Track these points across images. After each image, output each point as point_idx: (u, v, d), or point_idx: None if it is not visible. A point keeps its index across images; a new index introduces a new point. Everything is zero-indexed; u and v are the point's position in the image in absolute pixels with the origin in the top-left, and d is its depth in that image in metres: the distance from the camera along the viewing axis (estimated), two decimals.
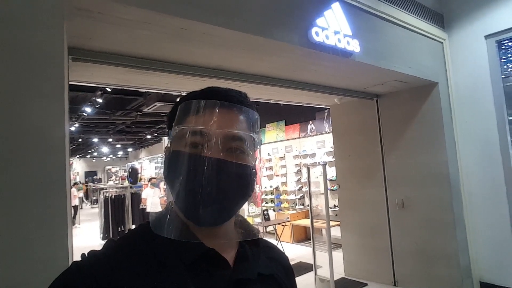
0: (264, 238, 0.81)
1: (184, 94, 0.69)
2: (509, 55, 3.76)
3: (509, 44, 3.75)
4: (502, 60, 3.78)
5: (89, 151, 22.77)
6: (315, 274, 4.34)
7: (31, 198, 1.28)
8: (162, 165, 0.67)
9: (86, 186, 19.68)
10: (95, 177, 24.97)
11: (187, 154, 0.59)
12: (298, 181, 8.15)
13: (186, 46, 2.32)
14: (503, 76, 3.75)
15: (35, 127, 1.32)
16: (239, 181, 0.61)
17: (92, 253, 0.58)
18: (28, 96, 1.32)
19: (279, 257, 0.77)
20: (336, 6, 2.70)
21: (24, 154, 1.29)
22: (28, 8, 1.36)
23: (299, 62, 2.86)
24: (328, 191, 4.59)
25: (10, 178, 1.25)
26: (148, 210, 7.45)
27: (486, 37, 3.82)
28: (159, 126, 12.70)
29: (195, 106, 0.62)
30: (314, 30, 2.52)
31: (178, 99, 0.69)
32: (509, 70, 3.75)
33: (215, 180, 0.57)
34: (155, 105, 6.90)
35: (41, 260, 1.26)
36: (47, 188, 1.31)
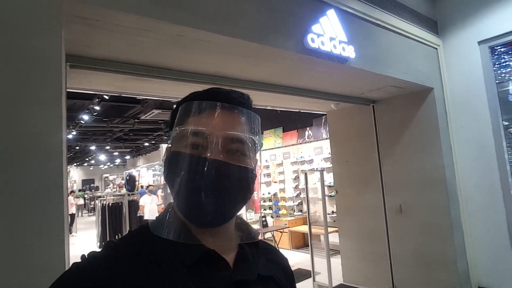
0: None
1: (191, 93, 0.69)
2: (502, 61, 3.80)
3: (502, 49, 3.80)
4: (496, 66, 3.83)
5: (87, 159, 22.67)
6: (314, 280, 4.32)
7: (27, 204, 1.28)
8: (161, 170, 0.67)
9: (84, 193, 19.55)
10: (92, 185, 24.82)
11: (187, 155, 0.59)
12: (296, 187, 8.14)
13: (183, 53, 2.34)
14: (497, 82, 3.79)
15: (32, 133, 1.32)
16: (239, 183, 0.61)
17: (92, 254, 0.58)
18: (25, 102, 1.33)
19: (279, 259, 0.77)
20: (331, 13, 2.74)
21: (21, 160, 1.29)
22: (26, 15, 1.38)
23: (295, 68, 2.89)
24: (326, 197, 4.60)
25: (6, 184, 1.25)
26: (146, 217, 7.41)
27: (480, 43, 3.88)
28: (156, 134, 12.69)
29: (196, 107, 0.62)
30: (309, 36, 2.55)
31: (180, 99, 0.69)
32: (502, 75, 3.79)
33: (215, 181, 0.57)
34: (153, 112, 6.89)
35: (37, 267, 1.25)
36: (43, 194, 1.31)
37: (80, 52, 2.17)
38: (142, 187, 11.60)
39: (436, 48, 4.09)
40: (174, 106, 0.70)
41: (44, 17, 1.42)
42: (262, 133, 8.81)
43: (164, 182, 0.67)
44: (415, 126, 4.03)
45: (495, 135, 3.73)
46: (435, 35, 4.11)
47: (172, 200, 0.65)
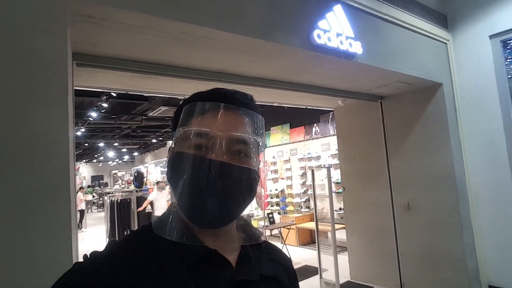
0: (269, 241, 0.80)
1: (194, 93, 0.69)
2: None
3: None
4: (508, 60, 3.75)
5: (96, 156, 22.93)
6: (321, 277, 4.31)
7: (34, 202, 1.29)
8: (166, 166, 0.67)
9: (93, 190, 19.80)
10: (101, 181, 25.13)
11: (190, 155, 0.59)
12: (303, 184, 8.13)
13: (189, 50, 2.33)
14: (509, 76, 3.71)
15: (39, 132, 1.34)
16: (242, 184, 0.61)
17: (94, 254, 0.59)
18: (32, 102, 1.34)
19: (282, 259, 0.77)
20: (337, 8, 2.70)
21: (28, 159, 1.30)
22: (31, 14, 1.38)
23: (301, 65, 2.87)
24: (333, 193, 4.57)
25: (14, 183, 1.27)
26: (156, 214, 7.46)
27: (491, 37, 3.79)
28: (164, 130, 12.76)
29: (200, 108, 0.62)
30: (316, 32, 2.52)
31: (183, 100, 0.69)
32: None
33: (218, 182, 0.57)
34: (160, 109, 6.94)
35: (44, 264, 1.27)
36: (50, 192, 1.32)
37: (86, 50, 2.18)
38: (146, 184, 11.56)
39: (446, 43, 4.01)
40: (182, 101, 0.70)
41: (49, 16, 1.42)
42: (269, 130, 8.86)
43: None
44: (423, 122, 3.97)
45: (506, 131, 3.66)
46: (445, 30, 4.03)
47: (175, 200, 0.65)
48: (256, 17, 2.22)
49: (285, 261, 0.78)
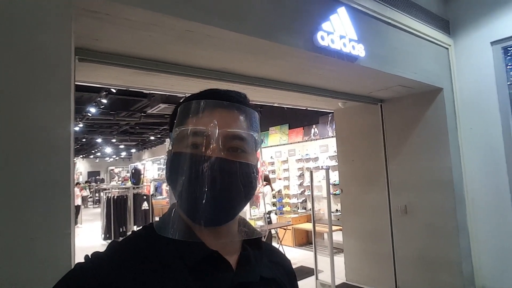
0: (267, 242, 0.80)
1: (188, 95, 0.69)
2: None
3: None
4: (508, 67, 3.77)
5: (93, 151, 22.83)
6: (316, 278, 4.32)
7: (34, 197, 1.28)
8: (165, 165, 0.67)
9: (89, 185, 19.73)
10: (98, 177, 25.04)
11: (188, 154, 0.59)
12: (301, 185, 8.14)
13: (191, 48, 2.33)
14: (508, 83, 3.73)
15: (40, 127, 1.33)
16: (241, 179, 0.61)
17: (96, 254, 0.59)
18: (35, 96, 1.33)
19: (282, 261, 0.77)
20: (341, 10, 2.71)
21: (29, 154, 1.29)
22: (35, 9, 1.37)
23: (303, 66, 2.87)
24: (331, 195, 4.58)
25: (14, 178, 1.26)
26: None
27: (492, 43, 3.81)
28: (162, 128, 12.73)
29: (195, 107, 0.62)
30: (319, 34, 2.52)
31: (179, 102, 0.70)
32: None
33: (217, 179, 0.57)
34: (159, 106, 6.91)
35: (43, 260, 1.26)
36: (50, 188, 1.32)
37: (89, 45, 2.17)
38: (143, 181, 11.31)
39: (447, 48, 4.03)
40: (181, 101, 0.70)
41: (54, 11, 1.41)
42: (267, 130, 8.85)
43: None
44: (423, 126, 3.98)
45: (505, 137, 3.68)
46: (447, 35, 4.04)
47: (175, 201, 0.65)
48: (260, 17, 2.22)
49: (285, 263, 0.78)
